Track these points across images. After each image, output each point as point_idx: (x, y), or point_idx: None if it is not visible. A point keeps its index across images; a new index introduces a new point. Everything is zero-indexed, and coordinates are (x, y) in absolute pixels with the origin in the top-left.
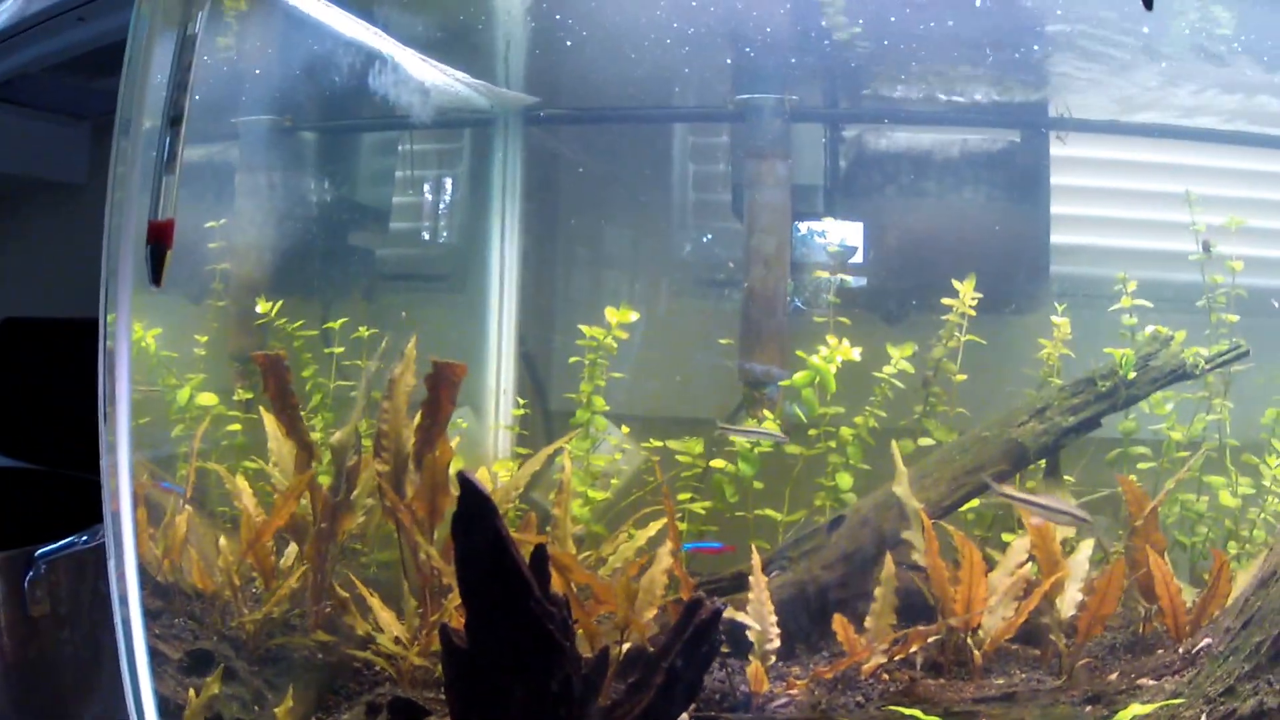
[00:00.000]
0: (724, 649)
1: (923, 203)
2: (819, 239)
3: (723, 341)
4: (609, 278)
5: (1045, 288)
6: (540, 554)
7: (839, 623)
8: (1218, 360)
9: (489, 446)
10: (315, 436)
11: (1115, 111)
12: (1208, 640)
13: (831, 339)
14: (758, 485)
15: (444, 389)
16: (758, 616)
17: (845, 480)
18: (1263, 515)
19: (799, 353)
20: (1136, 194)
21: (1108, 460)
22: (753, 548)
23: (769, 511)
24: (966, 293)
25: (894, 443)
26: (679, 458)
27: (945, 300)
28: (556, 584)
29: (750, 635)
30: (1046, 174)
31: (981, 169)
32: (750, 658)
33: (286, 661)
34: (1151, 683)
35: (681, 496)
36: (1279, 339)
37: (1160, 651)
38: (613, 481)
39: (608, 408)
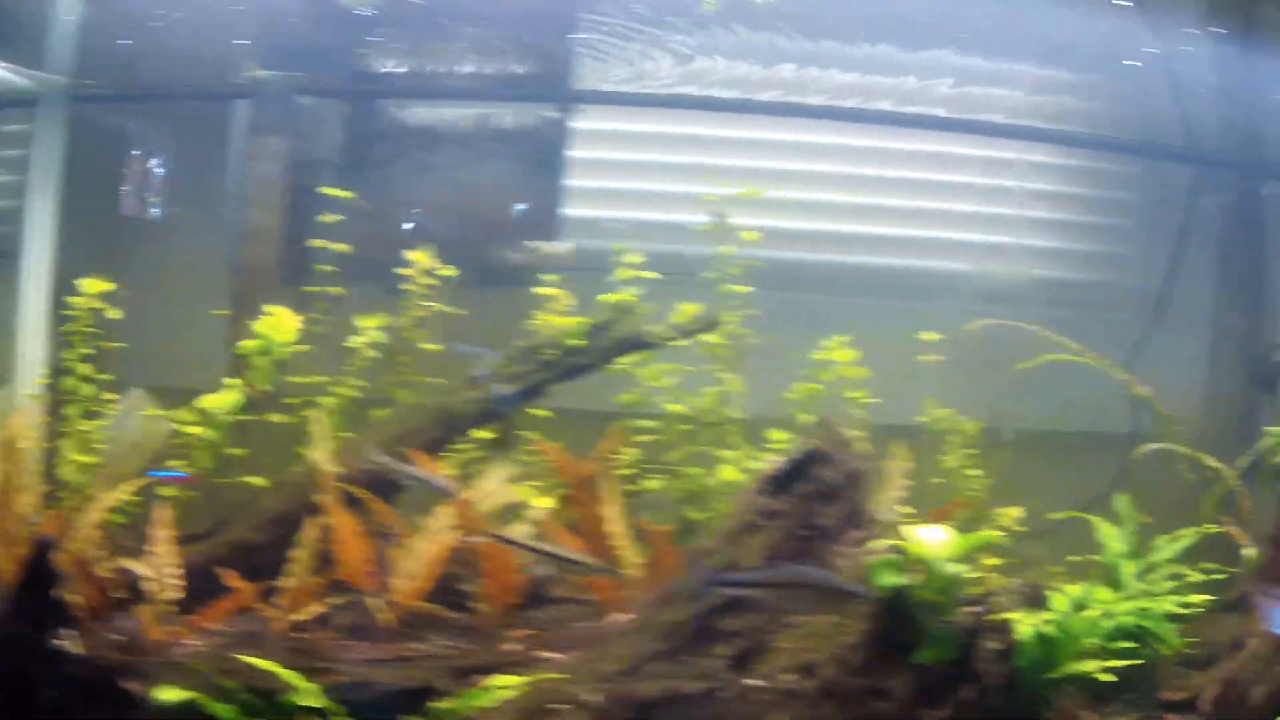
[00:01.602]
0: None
1: (435, 176)
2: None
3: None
4: (152, 251)
5: (554, 260)
6: None
7: (231, 577)
8: (684, 331)
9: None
10: None
11: (640, 84)
12: (624, 616)
13: (277, 309)
14: (240, 452)
15: None
16: (155, 567)
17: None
18: None
19: (249, 322)
20: (661, 167)
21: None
22: (155, 506)
23: (250, 479)
24: (422, 263)
25: (314, 412)
26: (174, 425)
27: (403, 270)
28: None
29: (147, 585)
30: (563, 147)
31: (498, 142)
32: (147, 606)
33: None
34: (554, 655)
35: (174, 462)
36: (804, 313)
37: (584, 624)
38: (107, 448)
39: (109, 377)
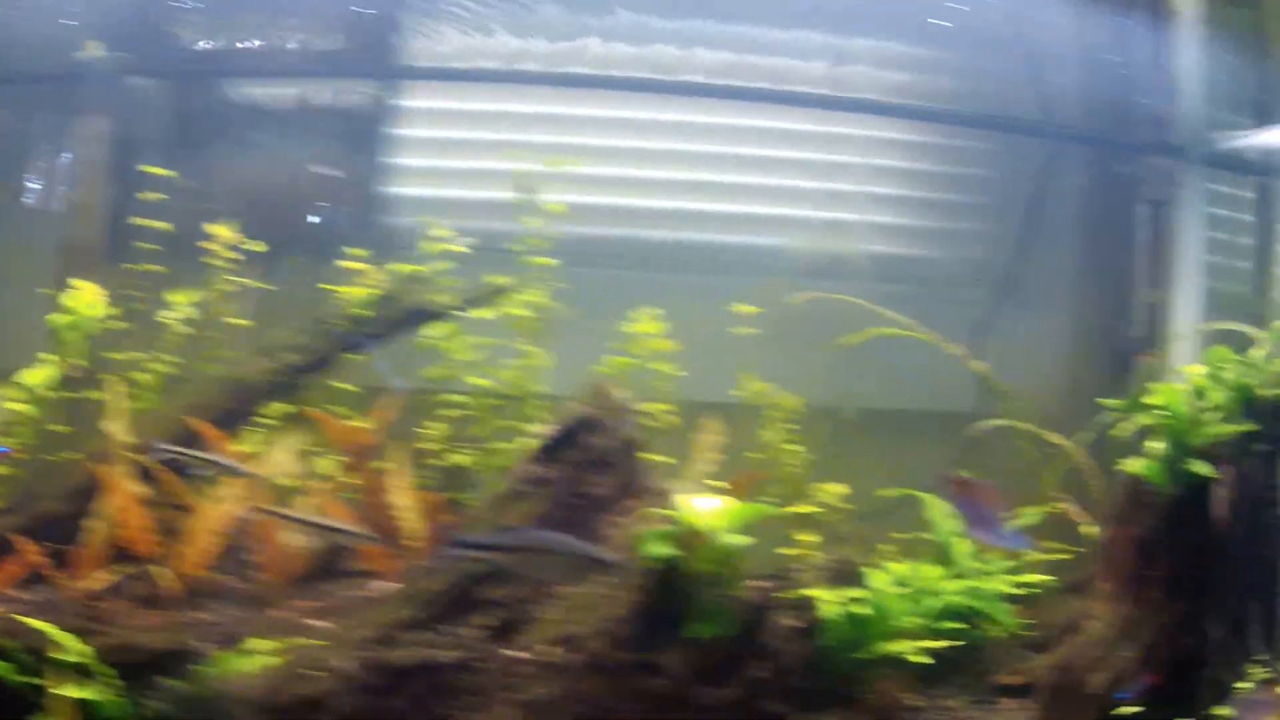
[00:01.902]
0: None
1: (254, 154)
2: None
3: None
4: None
5: (374, 235)
6: None
7: (25, 546)
8: (471, 300)
9: None
10: None
11: (463, 61)
12: (383, 584)
13: (84, 284)
14: (63, 428)
15: None
16: None
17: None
18: None
19: (64, 299)
20: (485, 144)
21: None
22: None
23: (67, 454)
24: (225, 237)
25: (112, 385)
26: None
27: (205, 244)
28: None
29: None
30: (384, 125)
31: (320, 121)
32: None
33: None
34: (321, 623)
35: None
36: (632, 290)
37: (355, 594)
38: None
39: None
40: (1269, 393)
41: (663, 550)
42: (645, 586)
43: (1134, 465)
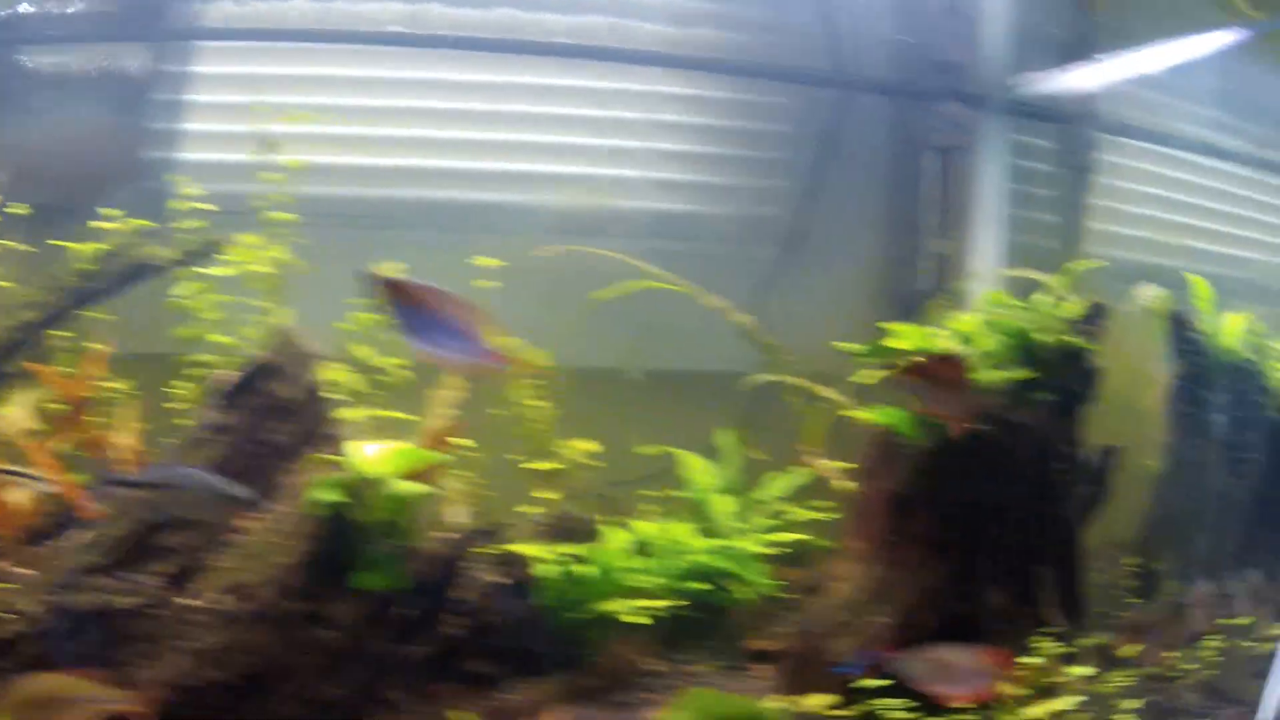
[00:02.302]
0: None
1: (28, 118)
2: None
3: None
4: None
5: (141, 197)
6: None
7: None
8: (191, 255)
9: None
10: None
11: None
12: (75, 533)
13: None
14: None
15: None
16: None
17: None
18: None
19: None
20: (254, 107)
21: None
22: None
23: None
24: None
25: None
26: None
27: None
28: None
29: None
30: (157, 89)
31: (96, 85)
32: None
33: None
34: (20, 570)
35: None
36: (376, 249)
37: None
38: None
39: None
40: (1050, 338)
41: (329, 496)
42: (314, 534)
43: (877, 415)
